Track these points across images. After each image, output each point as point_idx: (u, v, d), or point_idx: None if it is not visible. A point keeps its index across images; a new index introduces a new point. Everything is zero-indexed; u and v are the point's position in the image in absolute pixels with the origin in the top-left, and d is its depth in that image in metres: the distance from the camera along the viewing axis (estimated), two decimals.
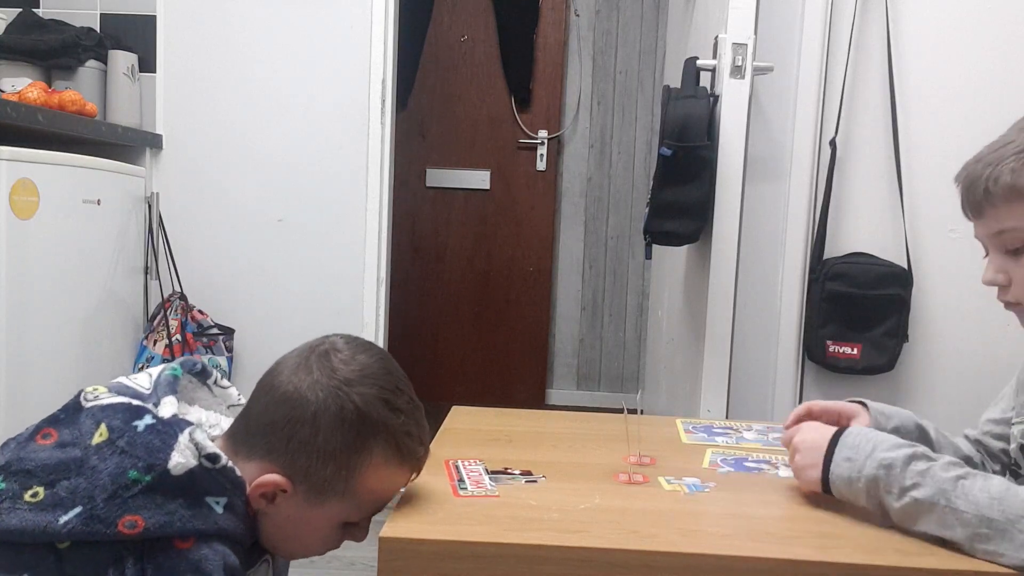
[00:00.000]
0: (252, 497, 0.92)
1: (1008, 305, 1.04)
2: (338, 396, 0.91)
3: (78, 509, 0.83)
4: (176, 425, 0.90)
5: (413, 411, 0.96)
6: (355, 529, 0.99)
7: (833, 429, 1.01)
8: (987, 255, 1.04)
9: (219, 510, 0.88)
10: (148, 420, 0.89)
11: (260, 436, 0.93)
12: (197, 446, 0.88)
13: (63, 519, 0.83)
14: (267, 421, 0.93)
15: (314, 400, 0.91)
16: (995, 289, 1.04)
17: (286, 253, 2.49)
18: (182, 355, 2.25)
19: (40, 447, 0.88)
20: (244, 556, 0.92)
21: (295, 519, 0.94)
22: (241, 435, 0.95)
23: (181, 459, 0.86)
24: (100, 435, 0.88)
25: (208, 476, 0.88)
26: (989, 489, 0.87)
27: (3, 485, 0.86)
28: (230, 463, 0.91)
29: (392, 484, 0.97)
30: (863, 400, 1.15)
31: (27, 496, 0.85)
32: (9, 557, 0.84)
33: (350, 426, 0.91)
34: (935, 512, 0.88)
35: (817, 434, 1.02)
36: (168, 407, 0.93)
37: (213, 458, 0.89)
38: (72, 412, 0.91)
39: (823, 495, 0.99)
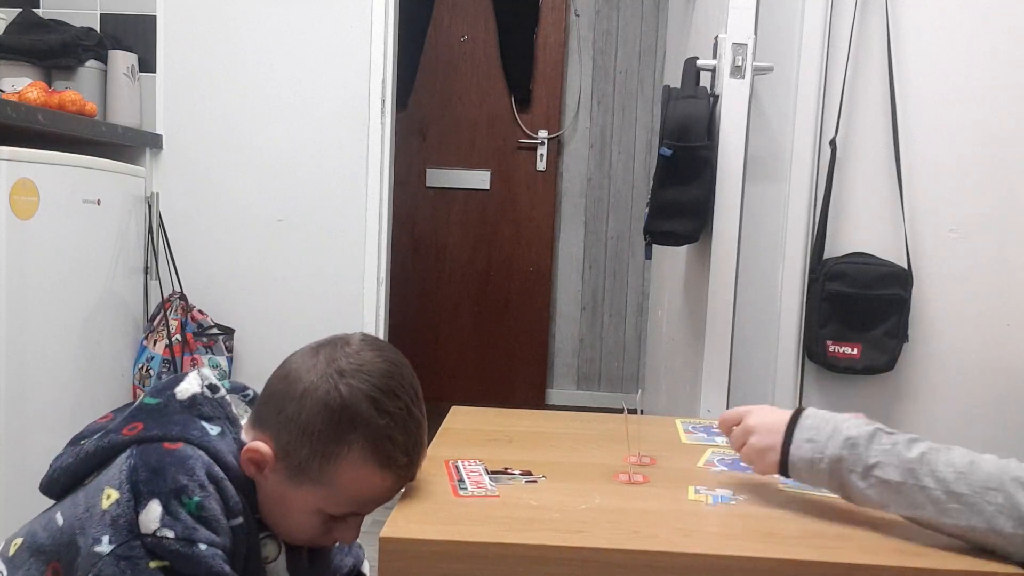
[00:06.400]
0: (242, 462, 0.95)
1: None
2: (328, 381, 0.93)
3: (98, 433, 0.94)
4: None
5: (403, 418, 0.94)
6: (340, 526, 0.98)
7: (788, 412, 0.99)
8: None
9: (213, 433, 0.94)
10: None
11: (261, 405, 0.99)
12: (203, 377, 0.99)
13: (84, 442, 0.95)
14: (268, 393, 0.98)
15: (307, 380, 0.94)
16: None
17: (286, 253, 2.49)
18: (182, 355, 2.25)
19: (98, 423, 1.00)
20: (251, 521, 0.95)
21: (278, 496, 0.96)
22: (255, 404, 1.02)
23: (187, 386, 0.97)
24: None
25: (208, 403, 0.97)
26: (954, 463, 0.87)
27: (67, 448, 0.98)
28: (228, 397, 1.00)
29: (369, 486, 0.94)
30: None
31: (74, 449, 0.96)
32: (54, 496, 0.97)
33: (331, 413, 0.92)
34: (903, 492, 0.88)
35: (773, 417, 1.00)
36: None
37: (214, 388, 0.99)
38: (129, 405, 1.01)
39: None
